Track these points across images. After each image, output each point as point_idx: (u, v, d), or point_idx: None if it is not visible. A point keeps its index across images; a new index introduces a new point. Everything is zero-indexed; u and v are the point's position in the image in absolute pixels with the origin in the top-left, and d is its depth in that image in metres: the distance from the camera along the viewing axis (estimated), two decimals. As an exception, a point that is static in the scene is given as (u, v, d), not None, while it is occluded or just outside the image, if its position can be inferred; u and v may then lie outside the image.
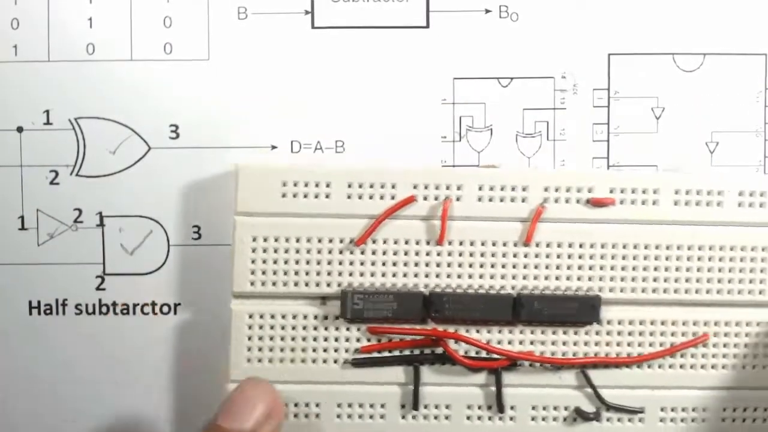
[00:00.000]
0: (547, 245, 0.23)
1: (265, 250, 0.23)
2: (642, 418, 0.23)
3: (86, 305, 0.26)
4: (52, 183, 0.25)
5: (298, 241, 0.23)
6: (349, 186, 0.23)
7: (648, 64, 0.25)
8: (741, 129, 0.25)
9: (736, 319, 0.23)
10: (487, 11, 0.25)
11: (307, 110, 0.25)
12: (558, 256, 0.23)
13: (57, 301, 0.26)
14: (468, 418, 0.23)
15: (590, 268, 0.23)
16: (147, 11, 0.25)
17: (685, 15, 0.25)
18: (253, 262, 0.23)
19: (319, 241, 0.23)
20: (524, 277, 0.23)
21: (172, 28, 0.25)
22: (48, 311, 0.26)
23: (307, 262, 0.23)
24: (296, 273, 0.23)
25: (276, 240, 0.23)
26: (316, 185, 0.23)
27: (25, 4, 0.25)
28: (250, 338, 0.23)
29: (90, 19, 0.25)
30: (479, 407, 0.23)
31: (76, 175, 0.25)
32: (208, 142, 0.25)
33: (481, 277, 0.23)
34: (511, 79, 0.25)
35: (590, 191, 0.23)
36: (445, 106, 0.25)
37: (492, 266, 0.23)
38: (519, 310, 0.23)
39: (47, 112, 0.25)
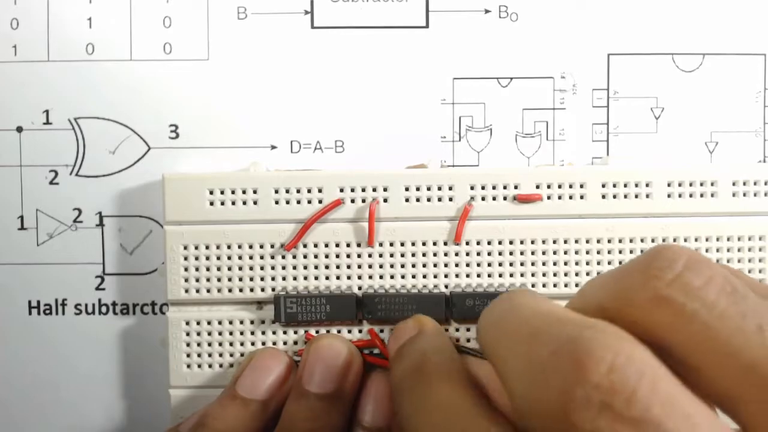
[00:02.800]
0: (477, 243, 0.23)
1: (197, 258, 0.23)
2: None
3: (86, 305, 0.26)
4: (51, 183, 0.25)
5: (228, 247, 0.23)
6: (276, 192, 0.23)
7: (647, 64, 0.25)
8: (740, 129, 0.25)
9: None
10: (487, 11, 0.25)
11: (306, 110, 0.25)
12: (489, 254, 0.23)
13: (56, 300, 0.26)
14: None
15: (521, 264, 0.23)
16: (146, 11, 0.25)
17: (684, 15, 0.25)
18: (185, 269, 0.23)
19: (250, 246, 0.23)
20: (456, 276, 0.23)
21: (172, 28, 0.25)
22: (48, 311, 0.26)
23: (240, 268, 0.23)
24: (229, 279, 0.23)
25: (207, 247, 0.23)
26: (243, 192, 0.23)
27: (24, 4, 0.25)
28: (188, 344, 0.24)
29: (89, 19, 0.25)
30: None
31: (76, 175, 0.25)
32: (207, 142, 0.25)
33: (413, 277, 0.23)
34: (511, 79, 0.25)
35: (516, 188, 0.23)
36: (445, 106, 0.25)
37: (423, 266, 0.23)
38: (451, 308, 0.23)
39: (47, 112, 0.25)
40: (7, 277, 0.26)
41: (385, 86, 0.25)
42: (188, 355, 0.24)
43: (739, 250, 0.23)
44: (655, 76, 0.25)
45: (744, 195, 0.23)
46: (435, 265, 0.23)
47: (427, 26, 0.25)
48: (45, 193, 0.25)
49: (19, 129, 0.25)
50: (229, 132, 0.25)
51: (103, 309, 0.26)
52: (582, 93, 0.25)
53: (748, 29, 0.25)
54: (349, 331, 0.23)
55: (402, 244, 0.23)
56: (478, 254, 0.23)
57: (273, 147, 0.25)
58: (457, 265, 0.23)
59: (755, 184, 0.23)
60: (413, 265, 0.23)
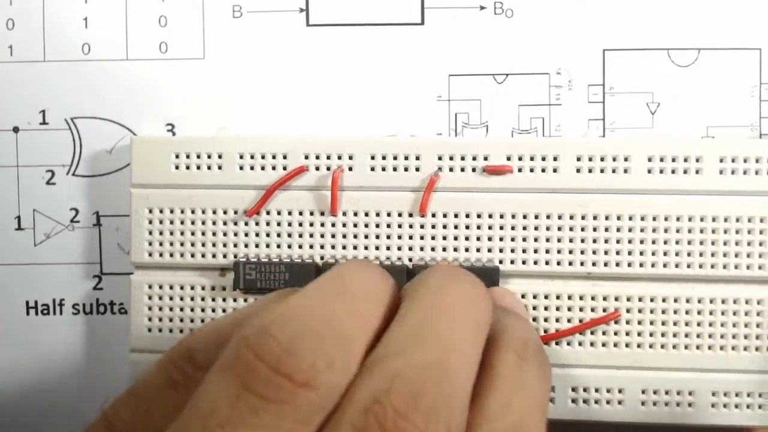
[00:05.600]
0: (444, 215, 0.22)
1: (161, 221, 0.23)
2: (552, 398, 0.22)
3: (83, 305, 0.26)
4: (48, 183, 0.25)
5: (192, 212, 0.23)
6: (241, 157, 0.23)
7: (643, 59, 0.25)
8: (736, 123, 0.25)
9: (650, 294, 0.22)
10: (482, 8, 0.25)
11: (302, 108, 0.25)
12: (455, 227, 0.22)
13: (54, 300, 0.26)
14: None
15: (489, 239, 0.22)
16: (142, 10, 0.25)
17: (679, 10, 0.25)
18: (150, 233, 0.23)
19: (213, 212, 0.23)
20: (421, 249, 0.23)
21: (168, 27, 0.25)
22: (45, 311, 0.26)
23: (203, 233, 0.23)
24: (192, 244, 0.23)
25: (171, 211, 0.23)
26: (209, 156, 0.23)
27: (20, 4, 0.25)
28: (150, 308, 0.23)
29: (85, 18, 0.25)
30: None
31: (73, 174, 0.25)
32: (204, 140, 0.25)
33: (377, 248, 0.23)
34: (507, 75, 0.25)
35: (486, 159, 0.22)
36: (441, 103, 0.25)
37: (387, 237, 0.23)
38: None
39: (43, 112, 0.25)
40: (5, 278, 0.26)
41: (381, 83, 0.25)
42: (150, 319, 0.23)
43: (725, 231, 0.22)
44: (651, 72, 0.25)
45: (733, 173, 0.22)
46: (399, 237, 0.23)
47: (422, 23, 0.25)
48: (42, 193, 0.25)
49: (16, 129, 0.25)
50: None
51: (101, 309, 0.26)
52: (578, 89, 0.25)
53: (744, 24, 0.25)
54: None
55: (366, 214, 0.23)
56: (444, 227, 0.23)
57: (269, 145, 0.25)
58: (422, 238, 0.23)
59: (745, 161, 0.22)
60: (377, 236, 0.23)
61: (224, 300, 0.23)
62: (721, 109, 0.25)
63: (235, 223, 0.23)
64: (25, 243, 0.25)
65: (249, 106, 0.25)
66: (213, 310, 0.23)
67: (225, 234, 0.23)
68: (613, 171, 0.22)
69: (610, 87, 0.25)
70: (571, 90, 0.25)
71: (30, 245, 0.25)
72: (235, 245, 0.23)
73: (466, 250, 0.23)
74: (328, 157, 0.23)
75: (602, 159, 0.22)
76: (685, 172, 0.22)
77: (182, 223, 0.23)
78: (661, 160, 0.22)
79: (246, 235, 0.23)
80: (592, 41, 0.25)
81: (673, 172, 0.22)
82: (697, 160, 0.22)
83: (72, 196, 0.25)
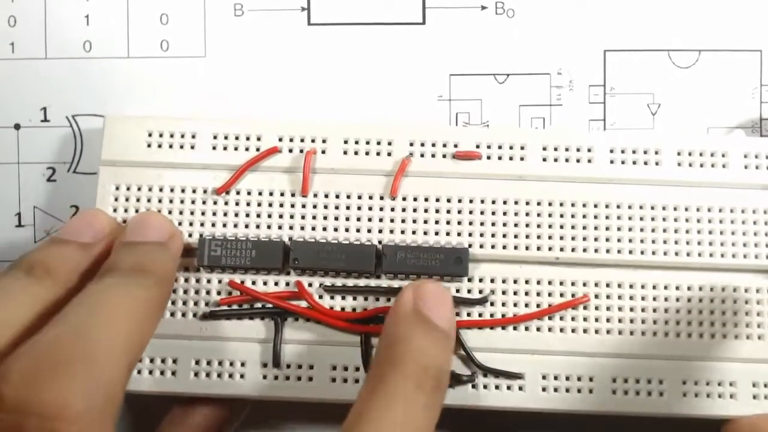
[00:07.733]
0: (414, 199, 0.23)
1: (127, 199, 0.23)
2: (522, 385, 0.22)
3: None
4: (49, 180, 0.25)
5: (161, 190, 0.23)
6: (215, 137, 0.23)
7: (644, 60, 0.25)
8: (737, 125, 0.25)
9: (618, 281, 0.22)
10: (483, 8, 0.25)
11: (303, 107, 0.25)
12: (425, 210, 0.23)
13: (54, 297, 0.26)
14: (333, 379, 0.22)
15: (459, 223, 0.23)
16: (144, 8, 0.25)
17: (680, 11, 0.25)
18: (114, 210, 0.23)
19: (182, 191, 0.23)
20: (391, 231, 0.23)
21: (169, 25, 0.25)
22: (45, 308, 0.26)
23: (169, 212, 0.23)
24: None
25: (139, 189, 0.23)
26: (182, 136, 0.23)
27: (22, 1, 0.25)
28: None
29: (87, 16, 0.25)
30: (345, 368, 0.22)
31: (74, 171, 0.26)
32: (205, 138, 0.25)
33: (347, 230, 0.23)
34: (508, 75, 0.25)
35: (456, 146, 0.23)
36: (442, 103, 0.25)
37: (358, 219, 0.23)
38: (382, 260, 0.22)
39: (44, 109, 0.25)
40: (5, 274, 0.26)
41: (382, 83, 0.25)
42: None
43: (675, 219, 0.22)
44: (652, 72, 0.25)
45: (690, 165, 0.23)
46: (370, 219, 0.23)
47: (423, 23, 0.25)
48: (42, 190, 0.25)
49: (17, 126, 0.25)
50: (226, 129, 0.25)
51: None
52: (578, 89, 0.25)
53: (745, 25, 0.25)
54: (276, 284, 0.23)
55: (337, 196, 0.23)
56: (415, 210, 0.23)
57: (270, 144, 0.25)
58: (393, 221, 0.23)
59: (701, 154, 0.23)
60: (347, 218, 0.23)
61: (186, 281, 0.23)
62: (721, 110, 0.25)
63: (204, 202, 0.23)
64: (26, 240, 0.25)
65: (250, 105, 0.25)
66: (173, 291, 0.22)
67: (192, 213, 0.23)
68: (578, 161, 0.23)
69: (611, 87, 0.25)
70: (572, 90, 0.25)
71: (30, 242, 0.25)
72: (202, 224, 0.23)
73: (436, 233, 0.23)
74: (302, 140, 0.23)
75: (567, 149, 0.23)
76: (645, 163, 0.23)
77: (149, 200, 0.23)
78: (622, 152, 0.23)
79: (214, 214, 0.23)
80: (593, 42, 0.25)
81: (634, 163, 0.23)
82: (656, 153, 0.23)
83: (73, 193, 0.25)
